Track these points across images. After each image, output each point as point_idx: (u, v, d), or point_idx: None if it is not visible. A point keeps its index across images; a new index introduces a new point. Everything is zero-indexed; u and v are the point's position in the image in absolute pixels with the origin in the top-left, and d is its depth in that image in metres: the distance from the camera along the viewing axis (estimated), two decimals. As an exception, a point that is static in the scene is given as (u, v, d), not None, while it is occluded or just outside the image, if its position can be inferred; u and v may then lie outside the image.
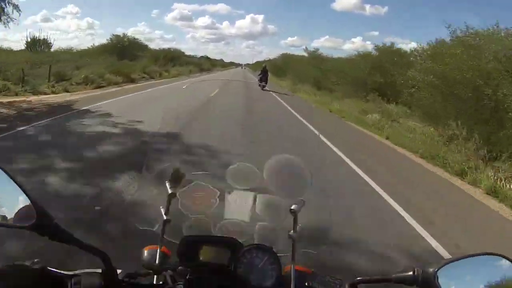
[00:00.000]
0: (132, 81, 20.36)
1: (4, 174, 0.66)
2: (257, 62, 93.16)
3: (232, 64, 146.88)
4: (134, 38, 33.83)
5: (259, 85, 20.58)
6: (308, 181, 0.85)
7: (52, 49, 23.56)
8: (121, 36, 31.91)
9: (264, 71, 21.43)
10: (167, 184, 0.85)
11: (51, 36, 23.76)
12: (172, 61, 36.86)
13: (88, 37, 48.80)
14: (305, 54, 32.36)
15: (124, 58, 25.85)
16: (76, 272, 0.74)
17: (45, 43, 23.57)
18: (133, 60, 26.87)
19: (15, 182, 0.66)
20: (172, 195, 0.83)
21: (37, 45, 23.08)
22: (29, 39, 22.84)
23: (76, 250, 0.69)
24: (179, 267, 0.77)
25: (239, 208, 0.86)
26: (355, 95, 16.65)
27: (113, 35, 32.06)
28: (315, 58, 28.72)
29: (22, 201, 0.67)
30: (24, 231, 0.67)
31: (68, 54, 23.57)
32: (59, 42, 29.97)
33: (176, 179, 0.85)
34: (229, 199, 0.86)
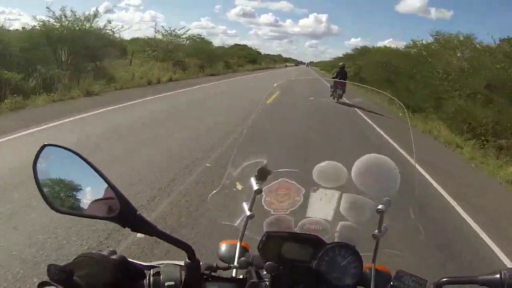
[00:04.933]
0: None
1: (88, 167, 0.65)
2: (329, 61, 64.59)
3: (289, 61, 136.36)
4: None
5: (332, 93, 13.55)
6: (397, 181, 0.82)
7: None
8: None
9: (342, 72, 14.36)
10: (253, 180, 0.83)
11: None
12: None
13: (151, 30, 49.46)
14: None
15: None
16: (156, 263, 0.73)
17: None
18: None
19: (99, 173, 0.66)
20: (258, 191, 0.81)
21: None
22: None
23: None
24: (268, 263, 0.75)
25: (323, 206, 0.84)
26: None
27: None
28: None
29: (106, 192, 0.67)
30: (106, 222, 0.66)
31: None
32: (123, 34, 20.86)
33: (262, 175, 0.84)
34: (314, 197, 0.84)
